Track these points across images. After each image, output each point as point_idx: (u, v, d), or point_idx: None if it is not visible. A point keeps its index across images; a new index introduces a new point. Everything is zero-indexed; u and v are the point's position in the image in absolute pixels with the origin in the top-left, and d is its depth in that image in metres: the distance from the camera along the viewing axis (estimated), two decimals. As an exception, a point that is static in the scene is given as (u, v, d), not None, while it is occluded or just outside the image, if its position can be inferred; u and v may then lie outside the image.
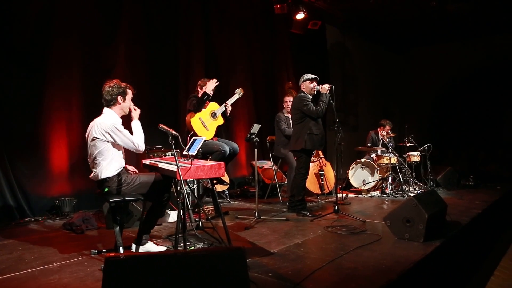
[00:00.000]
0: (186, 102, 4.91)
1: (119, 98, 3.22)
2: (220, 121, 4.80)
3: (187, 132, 4.53)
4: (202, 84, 4.79)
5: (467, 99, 11.61)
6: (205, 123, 4.63)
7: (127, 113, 3.33)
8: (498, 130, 11.31)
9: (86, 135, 3.25)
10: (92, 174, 3.24)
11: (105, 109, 3.26)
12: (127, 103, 3.28)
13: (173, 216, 4.47)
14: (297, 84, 5.36)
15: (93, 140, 3.13)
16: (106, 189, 3.15)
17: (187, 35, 6.72)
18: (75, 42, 5.29)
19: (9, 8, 4.70)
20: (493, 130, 11.32)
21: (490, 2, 8.57)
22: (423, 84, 12.39)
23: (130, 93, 3.30)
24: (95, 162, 3.15)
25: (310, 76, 5.00)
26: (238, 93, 4.94)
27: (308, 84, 4.98)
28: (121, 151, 3.27)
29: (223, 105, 4.80)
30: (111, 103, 3.24)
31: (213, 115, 4.74)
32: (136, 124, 3.30)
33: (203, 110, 4.64)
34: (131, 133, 3.26)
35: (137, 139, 3.23)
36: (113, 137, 3.12)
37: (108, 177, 3.14)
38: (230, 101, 4.84)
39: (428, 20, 9.84)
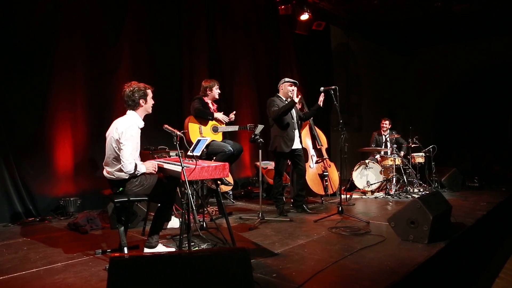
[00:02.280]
0: (190, 103, 4.91)
1: (141, 101, 3.23)
2: (219, 137, 4.81)
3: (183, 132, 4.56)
4: (206, 85, 4.79)
5: (472, 99, 11.55)
6: (202, 131, 4.65)
7: (151, 111, 3.35)
8: (503, 131, 11.25)
9: (107, 134, 3.25)
10: (107, 174, 3.22)
11: (129, 112, 3.26)
12: (149, 103, 3.30)
13: (172, 223, 4.25)
14: (300, 85, 5.36)
15: (113, 142, 3.14)
16: (121, 189, 3.17)
17: (191, 36, 6.73)
18: (79, 43, 5.32)
19: (14, 9, 4.74)
20: (497, 131, 11.26)
21: (495, 2, 8.52)
22: (427, 85, 12.34)
23: (150, 93, 3.31)
24: (114, 162, 3.16)
25: (291, 80, 5.06)
26: (248, 128, 4.85)
27: (287, 86, 5.01)
28: (137, 152, 3.25)
29: (227, 127, 4.82)
30: (134, 107, 3.24)
31: (214, 129, 4.75)
32: (142, 166, 3.20)
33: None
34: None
35: (132, 163, 3.09)
36: (120, 146, 3.08)
37: (127, 178, 3.15)
38: (236, 128, 4.88)
39: (433, 21, 9.80)
